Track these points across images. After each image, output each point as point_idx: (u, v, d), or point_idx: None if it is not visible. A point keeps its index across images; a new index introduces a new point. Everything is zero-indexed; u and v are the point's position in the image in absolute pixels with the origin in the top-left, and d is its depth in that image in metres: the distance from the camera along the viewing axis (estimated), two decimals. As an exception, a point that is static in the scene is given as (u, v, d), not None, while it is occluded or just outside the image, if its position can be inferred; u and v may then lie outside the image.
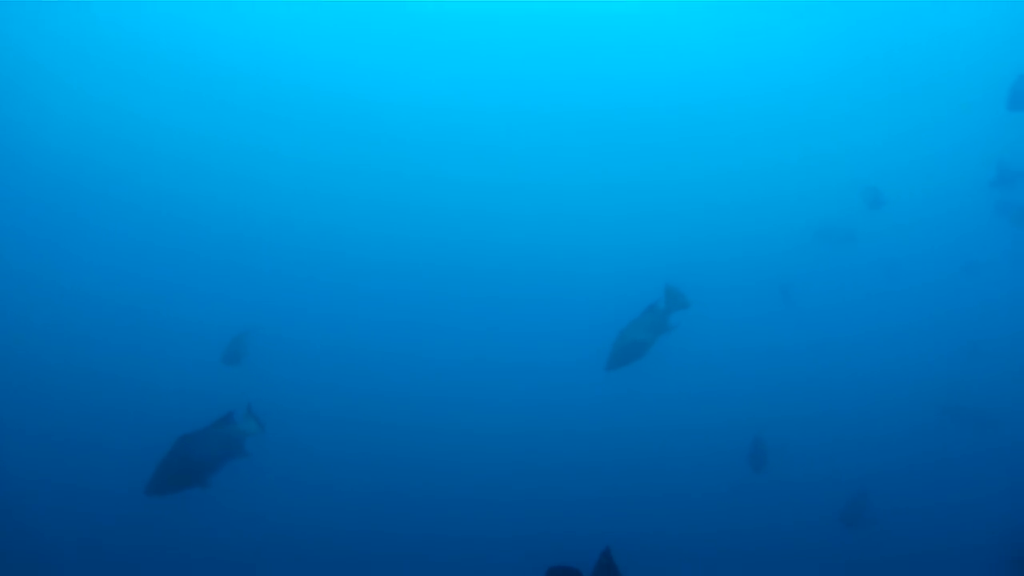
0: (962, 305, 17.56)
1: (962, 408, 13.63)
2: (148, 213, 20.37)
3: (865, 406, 15.15)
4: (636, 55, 23.67)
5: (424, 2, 22.82)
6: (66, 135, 21.07)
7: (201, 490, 5.48)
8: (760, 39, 23.01)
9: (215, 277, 18.82)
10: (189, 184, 21.53)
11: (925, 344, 16.88)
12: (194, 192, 21.48)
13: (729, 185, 23.12)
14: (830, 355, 16.87)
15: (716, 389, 15.41)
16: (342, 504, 12.09)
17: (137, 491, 5.48)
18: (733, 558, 11.57)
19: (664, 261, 19.83)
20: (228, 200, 21.73)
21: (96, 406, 13.05)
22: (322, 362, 15.66)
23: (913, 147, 22.28)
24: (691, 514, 12.21)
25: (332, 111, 23.76)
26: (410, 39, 23.59)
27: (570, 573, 3.54)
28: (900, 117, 22.63)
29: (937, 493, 12.74)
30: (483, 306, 18.93)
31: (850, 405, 15.20)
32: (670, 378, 13.84)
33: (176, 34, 22.11)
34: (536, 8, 23.21)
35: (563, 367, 14.90)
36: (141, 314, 16.60)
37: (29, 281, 16.83)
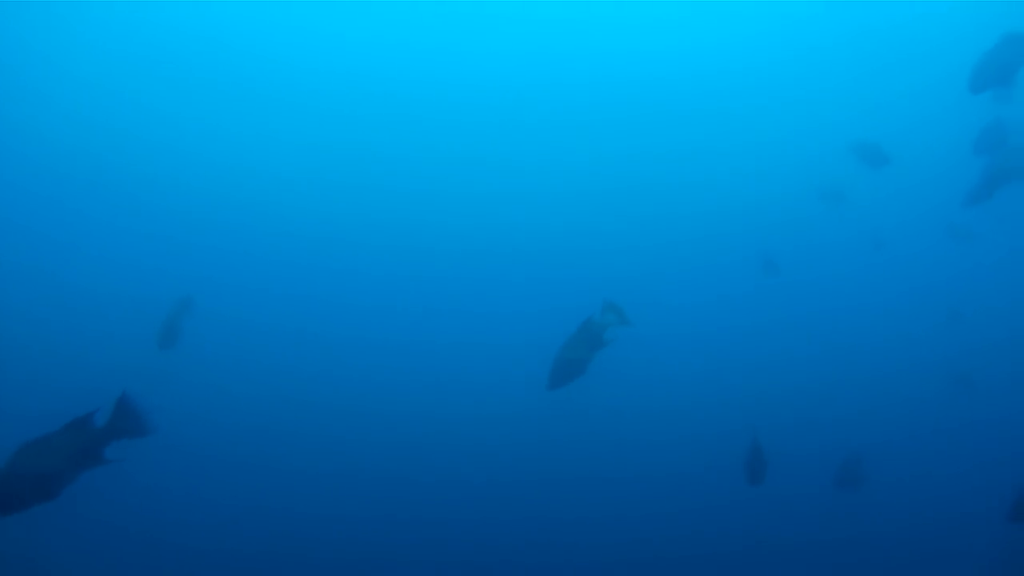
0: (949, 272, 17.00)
1: (961, 375, 13.32)
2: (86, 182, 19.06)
3: (856, 378, 14.52)
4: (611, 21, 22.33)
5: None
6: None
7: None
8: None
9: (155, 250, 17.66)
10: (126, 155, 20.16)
11: (913, 311, 16.33)
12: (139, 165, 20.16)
13: (700, 150, 22.03)
14: (817, 328, 16.11)
15: (699, 371, 14.67)
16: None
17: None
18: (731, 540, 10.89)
19: (637, 239, 19.00)
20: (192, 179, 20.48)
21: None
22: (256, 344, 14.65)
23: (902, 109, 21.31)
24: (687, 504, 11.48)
25: (268, 80, 22.21)
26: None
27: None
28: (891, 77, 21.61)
29: (931, 459, 12.61)
30: (439, 288, 18.06)
31: (841, 379, 14.54)
32: (650, 364, 13.18)
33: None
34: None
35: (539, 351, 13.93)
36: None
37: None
